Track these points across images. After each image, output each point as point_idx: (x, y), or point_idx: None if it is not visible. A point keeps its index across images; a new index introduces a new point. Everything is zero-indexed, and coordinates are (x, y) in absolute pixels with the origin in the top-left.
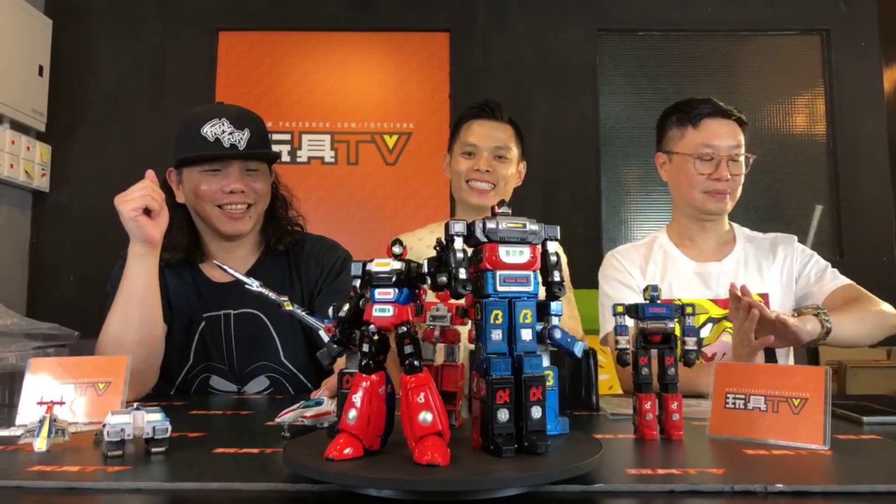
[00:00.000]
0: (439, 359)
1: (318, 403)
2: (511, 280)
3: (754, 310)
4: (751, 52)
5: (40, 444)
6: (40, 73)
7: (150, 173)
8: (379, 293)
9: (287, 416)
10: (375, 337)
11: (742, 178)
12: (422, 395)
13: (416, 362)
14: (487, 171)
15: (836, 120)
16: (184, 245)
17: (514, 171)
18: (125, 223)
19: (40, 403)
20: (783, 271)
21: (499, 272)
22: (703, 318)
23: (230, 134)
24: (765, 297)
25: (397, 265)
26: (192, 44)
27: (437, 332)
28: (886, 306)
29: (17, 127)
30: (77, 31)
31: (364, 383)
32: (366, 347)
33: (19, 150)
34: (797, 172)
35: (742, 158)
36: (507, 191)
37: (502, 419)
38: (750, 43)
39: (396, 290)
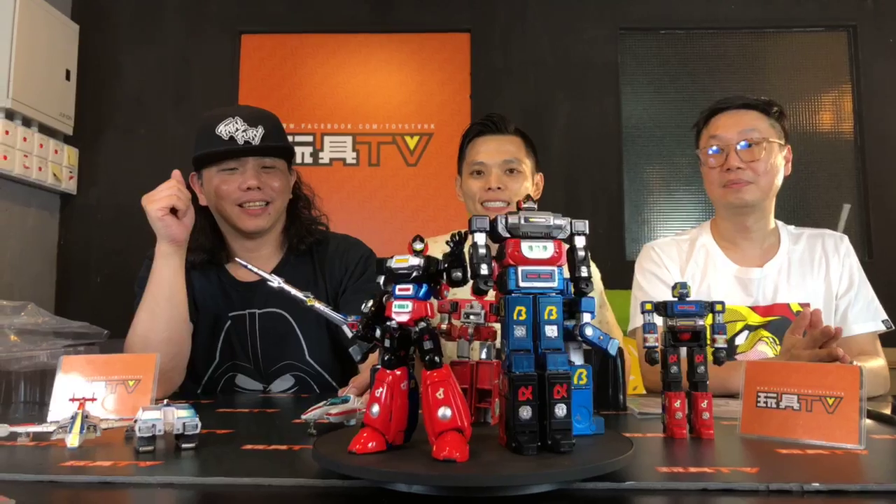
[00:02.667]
0: (475, 356)
1: (345, 401)
2: (534, 276)
3: (838, 350)
4: (775, 50)
5: (73, 440)
6: (67, 77)
7: (176, 173)
8: (399, 289)
9: (312, 414)
10: (397, 333)
11: (766, 165)
12: (441, 390)
13: (436, 358)
14: (499, 188)
15: (863, 117)
16: (207, 246)
17: (528, 185)
18: (152, 223)
19: (73, 400)
20: (827, 284)
21: (521, 267)
22: (739, 325)
23: (244, 131)
24: (805, 306)
25: (416, 261)
26: (215, 47)
27: (471, 330)
28: (883, 362)
29: (46, 130)
30: (103, 36)
31: (386, 378)
32: (387, 343)
33: (47, 154)
34: (824, 171)
35: (762, 144)
36: None
37: (524, 416)
38: (774, 40)
39: (415, 286)
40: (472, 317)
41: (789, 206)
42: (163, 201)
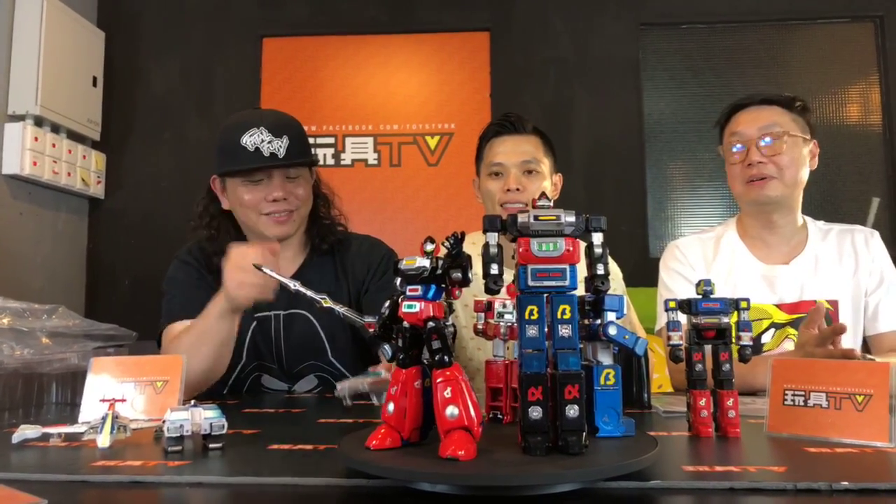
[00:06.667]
0: (511, 355)
1: (377, 375)
2: (543, 274)
3: (854, 351)
4: (800, 42)
5: (104, 440)
6: (94, 83)
7: (271, 250)
8: (409, 290)
9: (347, 383)
10: (408, 333)
11: (789, 159)
12: (448, 389)
13: (445, 357)
14: (518, 188)
15: (892, 109)
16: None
17: (547, 185)
18: (227, 290)
19: (103, 401)
20: (857, 280)
21: (530, 266)
22: (766, 323)
23: (269, 143)
24: (834, 304)
25: (424, 262)
26: (237, 51)
27: (503, 329)
28: None
29: (74, 136)
30: (128, 43)
31: (401, 377)
32: (400, 342)
33: (76, 159)
34: (852, 164)
35: (783, 138)
36: None
37: (534, 416)
38: (799, 32)
39: (423, 287)
40: (505, 316)
41: (817, 200)
42: (252, 291)
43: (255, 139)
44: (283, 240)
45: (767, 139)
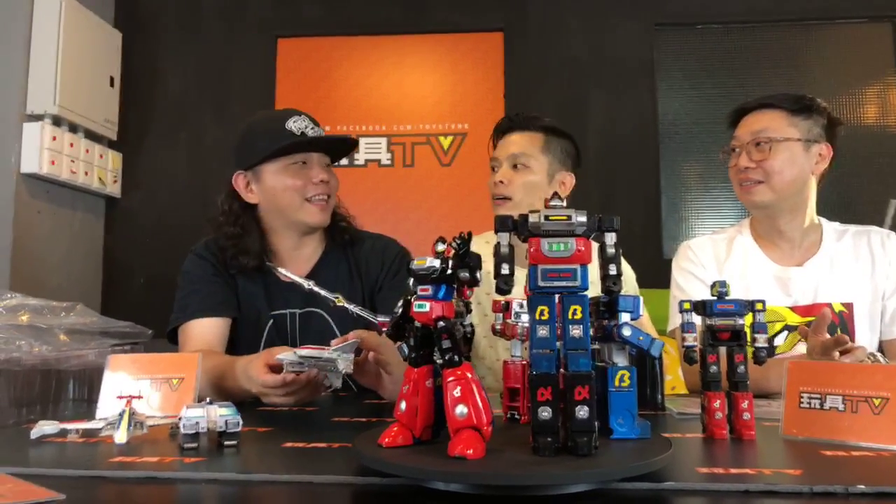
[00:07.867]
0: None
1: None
2: (553, 275)
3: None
4: (817, 43)
5: (121, 437)
6: (111, 84)
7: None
8: (420, 289)
9: (285, 355)
10: (419, 333)
11: (778, 164)
12: (458, 388)
13: (455, 357)
14: (501, 182)
15: None
16: (256, 250)
17: (538, 180)
18: (253, 387)
19: (120, 397)
20: (874, 283)
21: (541, 266)
22: (779, 325)
23: (312, 129)
24: (849, 306)
25: (434, 263)
26: (252, 52)
27: (520, 329)
28: None
29: (91, 136)
30: (145, 43)
31: (412, 376)
32: (411, 341)
33: (93, 158)
34: (869, 166)
35: (771, 144)
36: (531, 203)
37: (543, 417)
38: (816, 32)
39: (434, 287)
40: (522, 316)
41: (833, 202)
42: (279, 403)
43: (300, 124)
44: (316, 230)
45: (756, 144)
